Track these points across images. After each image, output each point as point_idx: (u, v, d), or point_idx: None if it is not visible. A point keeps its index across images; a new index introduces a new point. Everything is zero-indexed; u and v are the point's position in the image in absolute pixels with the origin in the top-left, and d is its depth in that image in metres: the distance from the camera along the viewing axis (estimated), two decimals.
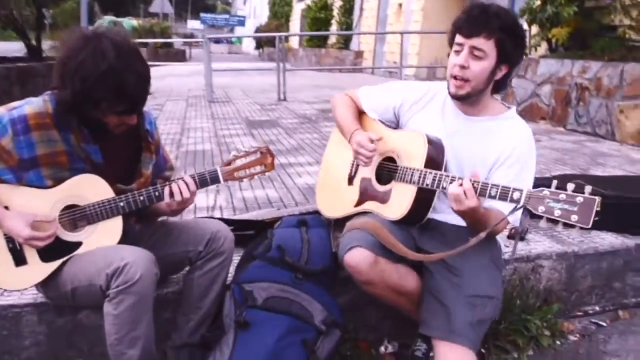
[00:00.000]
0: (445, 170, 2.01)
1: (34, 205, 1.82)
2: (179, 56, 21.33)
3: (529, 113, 6.34)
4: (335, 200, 2.27)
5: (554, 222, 1.66)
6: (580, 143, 5.06)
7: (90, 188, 1.85)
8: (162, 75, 15.15)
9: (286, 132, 5.70)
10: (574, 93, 5.64)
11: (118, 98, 1.70)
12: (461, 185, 1.79)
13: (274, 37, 9.73)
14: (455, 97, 1.98)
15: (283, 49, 8.87)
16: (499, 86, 2.03)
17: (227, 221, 2.60)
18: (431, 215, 2.03)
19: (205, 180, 1.93)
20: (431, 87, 2.16)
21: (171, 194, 1.87)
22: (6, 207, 1.81)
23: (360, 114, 2.26)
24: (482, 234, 1.80)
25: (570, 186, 1.66)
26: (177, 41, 20.44)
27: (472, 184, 1.79)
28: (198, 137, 5.45)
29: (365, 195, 2.14)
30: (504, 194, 1.74)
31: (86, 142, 1.83)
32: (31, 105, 1.77)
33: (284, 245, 2.12)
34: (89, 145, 1.84)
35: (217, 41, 30.95)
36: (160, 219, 2.13)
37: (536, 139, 5.17)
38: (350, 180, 2.22)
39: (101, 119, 1.76)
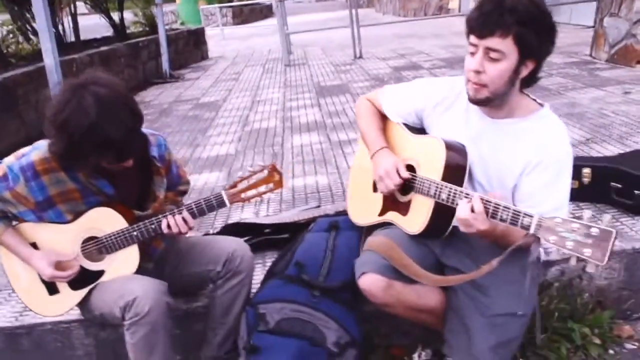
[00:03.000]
0: (471, 179, 1.87)
1: (58, 240, 1.94)
2: (265, 12, 21.31)
3: (622, 57, 5.71)
4: (362, 207, 2.20)
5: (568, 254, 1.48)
6: None
7: (105, 220, 1.93)
8: (248, 35, 15.34)
9: (354, 99, 5.56)
10: None
11: (104, 151, 1.73)
12: (470, 205, 1.65)
13: None
14: (474, 103, 1.80)
15: (356, 5, 8.55)
16: (529, 82, 1.81)
17: (261, 225, 2.64)
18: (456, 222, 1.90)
19: (211, 206, 1.94)
20: (455, 84, 1.97)
21: (168, 227, 1.90)
22: (34, 243, 1.94)
23: (385, 117, 2.14)
24: (495, 262, 1.66)
25: (587, 213, 1.47)
26: (260, 1, 20.30)
27: (484, 205, 1.64)
28: (265, 112, 5.47)
29: (388, 204, 2.05)
30: (514, 219, 1.58)
31: (95, 178, 1.89)
32: (38, 152, 1.84)
33: (303, 261, 2.09)
34: (98, 181, 1.90)
35: None
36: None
37: (627, 89, 4.76)
38: (376, 188, 2.12)
39: (97, 165, 1.80)
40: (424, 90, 2.02)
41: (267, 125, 4.97)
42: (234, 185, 1.94)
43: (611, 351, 2.16)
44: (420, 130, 2.05)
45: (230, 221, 2.90)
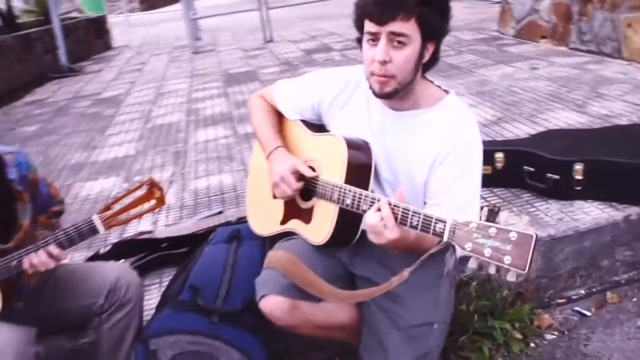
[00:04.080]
0: (377, 178, 1.70)
1: None
2: None
3: (528, 32, 5.76)
4: (263, 215, 1.98)
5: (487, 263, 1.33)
6: (582, 67, 4.54)
7: None
8: (156, 21, 14.59)
9: (263, 86, 5.29)
10: (576, 7, 5.04)
11: None
12: (379, 211, 1.47)
13: None
14: (381, 97, 1.60)
15: None
16: (429, 66, 1.64)
17: (156, 241, 2.38)
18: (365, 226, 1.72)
19: (83, 234, 1.66)
20: (353, 74, 1.78)
21: (31, 264, 1.61)
22: None
23: (281, 114, 1.92)
24: (406, 273, 1.48)
25: (504, 215, 1.33)
26: None
27: (392, 210, 1.46)
28: (170, 106, 5.12)
29: (290, 212, 1.85)
30: (426, 225, 1.40)
31: None
32: None
33: (199, 282, 1.85)
34: None
35: None
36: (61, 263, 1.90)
37: (533, 65, 4.75)
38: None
39: None
40: (320, 83, 1.82)
41: (171, 120, 4.64)
42: (108, 208, 1.67)
43: (532, 344, 2.08)
44: (320, 127, 1.86)
45: (126, 234, 2.62)
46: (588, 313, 2.20)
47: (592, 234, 2.24)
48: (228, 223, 2.35)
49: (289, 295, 1.64)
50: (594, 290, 2.32)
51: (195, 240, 2.30)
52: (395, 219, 1.44)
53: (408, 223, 1.43)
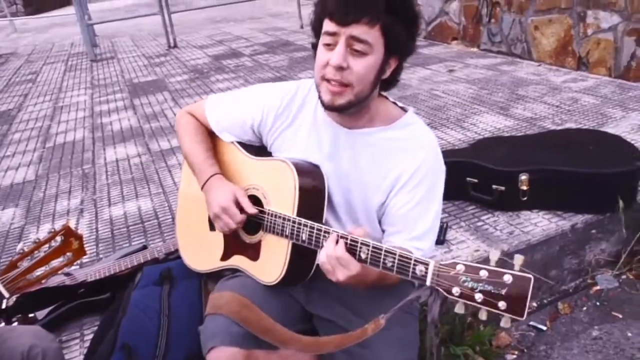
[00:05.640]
0: (331, 206, 1.52)
1: None
2: None
3: (439, 34, 5.82)
4: (199, 249, 1.75)
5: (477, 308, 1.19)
6: (497, 68, 4.61)
7: None
8: (47, 25, 13.58)
9: (173, 97, 4.97)
10: (484, 9, 5.13)
11: None
12: (335, 248, 1.30)
13: None
14: (331, 108, 1.42)
15: None
16: (387, 85, 1.49)
17: (72, 287, 2.06)
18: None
19: None
20: (299, 88, 1.59)
21: None
22: None
23: (214, 135, 1.70)
24: (382, 320, 1.31)
25: (495, 254, 1.19)
26: None
27: (352, 246, 1.29)
28: (71, 121, 4.66)
29: (232, 246, 1.63)
30: (402, 267, 1.24)
31: None
32: None
33: (132, 340, 1.58)
34: None
35: None
36: None
37: (450, 67, 4.75)
38: (213, 224, 1.67)
39: None
40: (259, 100, 1.62)
41: (74, 137, 4.20)
42: (13, 266, 1.38)
43: None
44: (259, 149, 1.66)
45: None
46: (544, 327, 2.15)
47: (542, 245, 2.18)
48: (155, 260, 2.08)
49: (243, 345, 1.43)
50: (545, 302, 2.27)
51: (117, 283, 2.01)
52: (365, 260, 1.28)
53: (380, 264, 1.27)
